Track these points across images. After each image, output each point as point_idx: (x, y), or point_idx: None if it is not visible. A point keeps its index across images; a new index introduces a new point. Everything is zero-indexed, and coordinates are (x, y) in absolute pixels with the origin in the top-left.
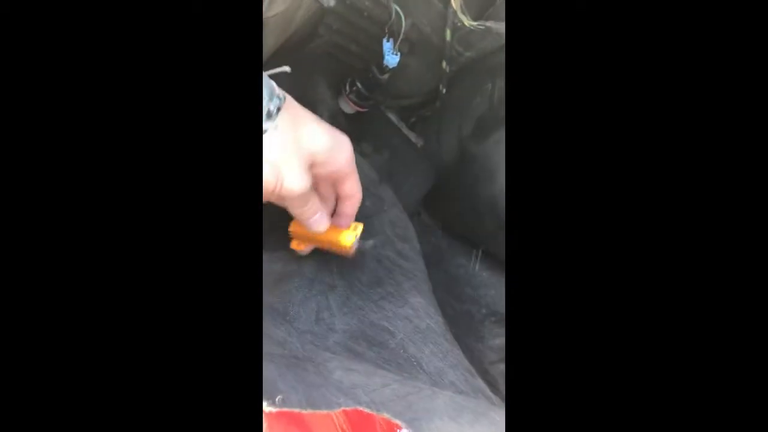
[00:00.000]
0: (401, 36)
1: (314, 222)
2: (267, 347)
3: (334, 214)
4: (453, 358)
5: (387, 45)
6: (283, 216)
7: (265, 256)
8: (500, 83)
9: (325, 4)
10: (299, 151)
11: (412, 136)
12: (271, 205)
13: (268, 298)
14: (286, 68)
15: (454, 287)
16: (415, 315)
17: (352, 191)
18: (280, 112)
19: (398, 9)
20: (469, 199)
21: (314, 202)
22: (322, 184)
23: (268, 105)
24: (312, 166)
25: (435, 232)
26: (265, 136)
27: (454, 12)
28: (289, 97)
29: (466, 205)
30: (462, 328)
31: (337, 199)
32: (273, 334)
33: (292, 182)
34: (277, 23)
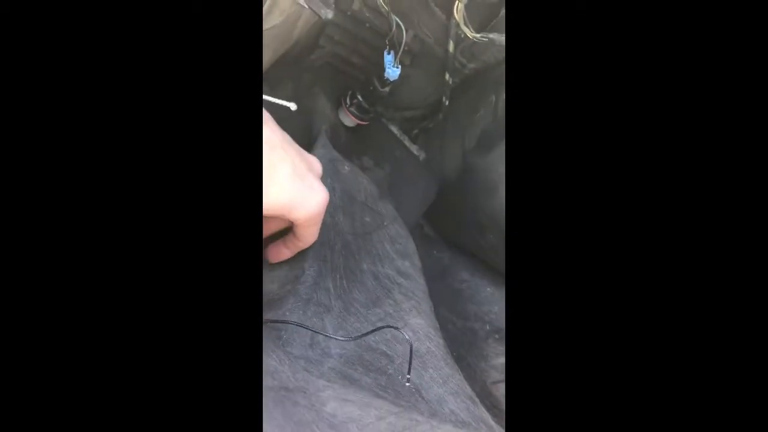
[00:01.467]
0: (402, 48)
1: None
2: None
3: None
4: (454, 384)
5: (388, 58)
6: (279, 234)
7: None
8: (504, 96)
9: (323, 17)
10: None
11: (414, 149)
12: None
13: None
14: (293, 105)
15: (456, 303)
16: (415, 338)
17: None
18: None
19: (399, 21)
20: (471, 212)
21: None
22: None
23: None
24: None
25: (438, 245)
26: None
27: (457, 24)
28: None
29: (469, 218)
30: (464, 346)
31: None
32: (263, 363)
33: (318, 196)
34: (276, 35)
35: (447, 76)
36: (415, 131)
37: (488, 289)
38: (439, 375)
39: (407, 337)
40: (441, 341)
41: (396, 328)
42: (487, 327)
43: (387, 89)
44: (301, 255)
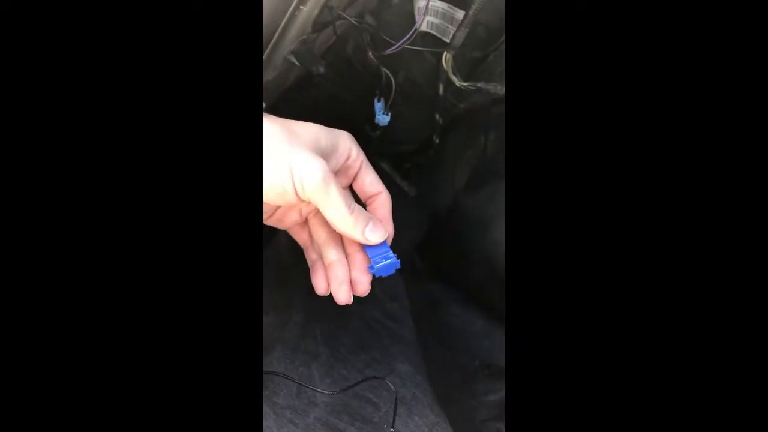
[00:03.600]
0: (392, 96)
1: (371, 232)
2: None
3: None
4: None
5: (378, 105)
6: (265, 277)
7: None
8: (493, 136)
9: (315, 72)
10: (299, 139)
11: (405, 185)
12: None
13: None
14: None
15: (446, 337)
16: (402, 384)
17: (375, 186)
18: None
19: (388, 72)
20: (462, 248)
21: (359, 208)
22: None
23: None
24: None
25: (429, 279)
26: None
27: (446, 71)
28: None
29: (460, 254)
30: (454, 382)
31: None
32: None
33: (310, 171)
34: (268, 87)
35: (437, 117)
36: (408, 165)
37: (478, 323)
38: (424, 423)
39: (392, 387)
40: (428, 387)
41: (381, 378)
42: (477, 362)
43: (377, 133)
44: (288, 301)
